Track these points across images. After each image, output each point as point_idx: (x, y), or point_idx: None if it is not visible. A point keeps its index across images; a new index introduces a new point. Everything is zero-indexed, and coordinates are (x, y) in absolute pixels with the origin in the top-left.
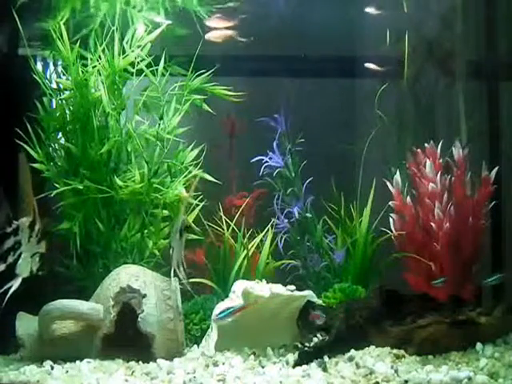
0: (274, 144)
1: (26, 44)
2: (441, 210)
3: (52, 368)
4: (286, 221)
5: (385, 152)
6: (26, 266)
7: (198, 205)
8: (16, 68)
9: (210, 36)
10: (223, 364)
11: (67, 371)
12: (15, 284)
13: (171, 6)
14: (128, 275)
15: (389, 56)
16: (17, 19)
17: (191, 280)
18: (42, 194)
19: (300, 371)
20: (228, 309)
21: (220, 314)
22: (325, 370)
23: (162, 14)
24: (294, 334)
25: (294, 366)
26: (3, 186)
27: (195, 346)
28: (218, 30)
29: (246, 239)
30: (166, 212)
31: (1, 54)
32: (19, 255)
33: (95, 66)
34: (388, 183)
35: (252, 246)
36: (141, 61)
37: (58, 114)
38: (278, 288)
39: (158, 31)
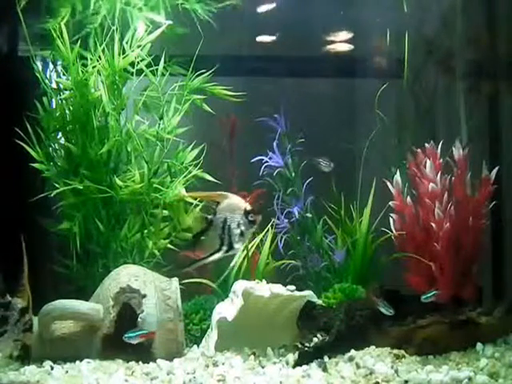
0: (274, 144)
1: (25, 44)
2: (441, 210)
3: (52, 368)
4: (286, 221)
5: (385, 152)
6: (6, 346)
7: (197, 205)
8: (16, 68)
9: (331, 48)
10: (223, 364)
11: (67, 371)
12: None
13: (171, 5)
14: (128, 275)
15: (389, 56)
16: (17, 19)
17: (191, 280)
18: (41, 194)
19: (300, 371)
20: (140, 330)
21: (128, 333)
22: (325, 370)
23: (162, 13)
24: (294, 334)
25: (294, 366)
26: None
27: (195, 346)
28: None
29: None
30: (165, 212)
31: (0, 54)
32: (5, 331)
33: (95, 66)
34: (388, 183)
35: (252, 246)
36: (141, 61)
37: (57, 114)
38: (278, 288)
39: (158, 31)
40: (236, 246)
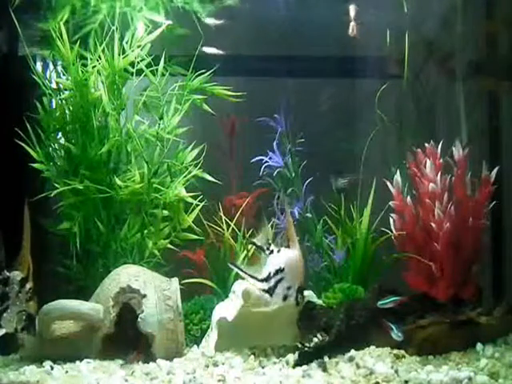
0: (274, 144)
1: (25, 44)
2: (441, 210)
3: (52, 368)
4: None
5: (385, 152)
6: (10, 320)
7: (197, 205)
8: (16, 68)
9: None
10: (223, 364)
11: (67, 371)
12: None
13: (171, 5)
14: (128, 275)
15: (389, 56)
16: (17, 18)
17: (191, 280)
18: (41, 194)
19: (300, 371)
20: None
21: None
22: (325, 370)
23: (162, 13)
24: (294, 334)
25: (294, 367)
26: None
27: (195, 346)
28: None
29: (246, 239)
30: (165, 212)
31: (0, 54)
32: (7, 307)
33: (95, 66)
34: (388, 183)
35: (252, 246)
36: (141, 61)
37: (57, 114)
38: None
39: (158, 31)
40: (274, 299)
